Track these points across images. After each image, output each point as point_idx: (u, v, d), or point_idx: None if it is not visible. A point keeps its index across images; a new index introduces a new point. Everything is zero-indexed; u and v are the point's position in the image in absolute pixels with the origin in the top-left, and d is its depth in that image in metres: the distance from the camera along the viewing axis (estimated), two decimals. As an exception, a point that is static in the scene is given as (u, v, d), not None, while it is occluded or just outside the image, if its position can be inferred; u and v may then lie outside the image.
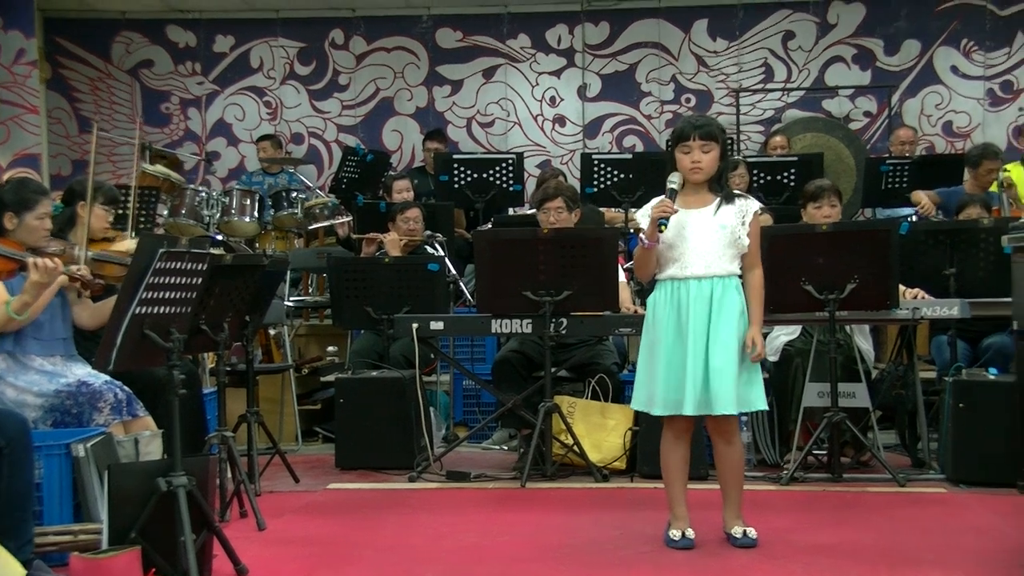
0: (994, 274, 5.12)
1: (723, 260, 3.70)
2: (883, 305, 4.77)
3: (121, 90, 10.01)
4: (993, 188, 7.03)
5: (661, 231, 3.65)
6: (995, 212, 6.36)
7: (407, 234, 6.46)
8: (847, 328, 5.15)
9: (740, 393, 3.65)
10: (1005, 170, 7.29)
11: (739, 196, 3.79)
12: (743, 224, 3.73)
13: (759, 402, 3.72)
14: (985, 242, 5.23)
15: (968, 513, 4.29)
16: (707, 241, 3.70)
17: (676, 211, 3.67)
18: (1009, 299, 4.69)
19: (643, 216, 3.75)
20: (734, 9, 9.57)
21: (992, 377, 4.81)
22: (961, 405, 4.76)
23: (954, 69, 9.36)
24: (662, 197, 3.69)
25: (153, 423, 4.13)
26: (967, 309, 4.86)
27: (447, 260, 6.13)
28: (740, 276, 3.74)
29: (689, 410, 3.63)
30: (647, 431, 4.88)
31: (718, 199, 3.75)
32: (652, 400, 3.72)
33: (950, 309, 4.86)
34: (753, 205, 3.77)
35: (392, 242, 6.41)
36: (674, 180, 3.71)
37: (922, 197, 7.07)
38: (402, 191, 7.45)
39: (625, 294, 5.37)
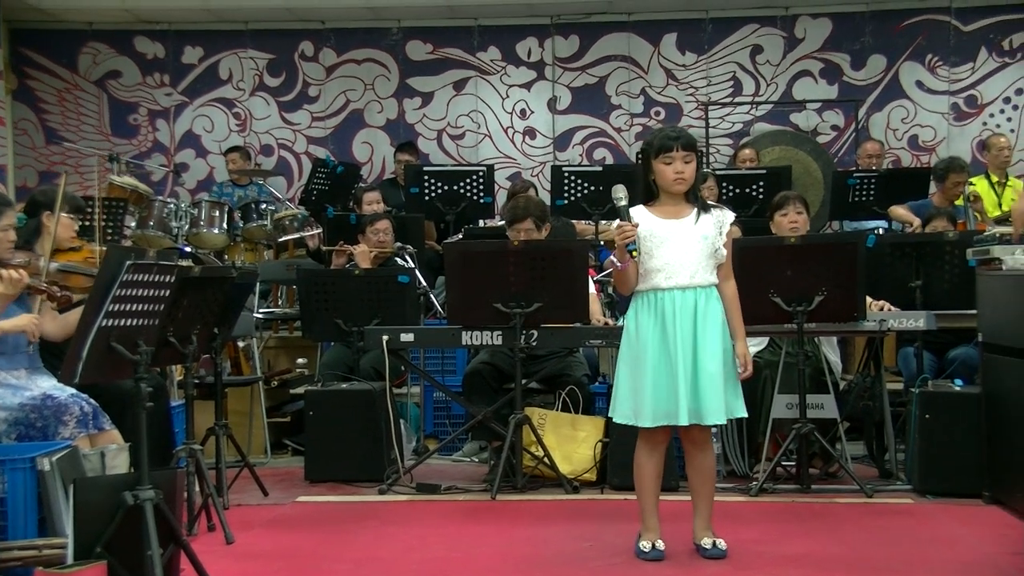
0: (959, 287, 5.19)
1: (705, 270, 3.73)
2: (850, 317, 4.81)
3: (88, 101, 9.94)
4: (959, 202, 7.11)
5: (633, 256, 3.67)
6: (960, 225, 6.43)
7: (377, 246, 6.45)
8: (815, 340, 5.19)
9: (727, 402, 3.69)
10: (971, 183, 7.39)
11: (714, 206, 3.82)
12: (720, 234, 3.76)
13: (741, 409, 3.76)
14: (951, 255, 5.29)
15: (935, 524, 4.33)
16: (691, 251, 3.72)
17: (637, 225, 3.68)
18: (974, 311, 4.76)
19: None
20: (702, 23, 9.64)
21: (958, 388, 4.86)
22: (927, 416, 4.80)
23: (919, 84, 9.47)
24: (617, 221, 3.70)
25: (120, 436, 4.09)
26: (933, 321, 4.91)
27: (417, 272, 6.12)
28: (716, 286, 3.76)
29: (684, 420, 3.65)
30: (617, 443, 4.89)
31: (696, 209, 3.77)
32: (639, 412, 3.71)
33: (916, 321, 4.91)
34: (729, 216, 3.81)
35: (362, 254, 6.39)
36: (620, 195, 3.71)
37: (904, 215, 7.13)
38: (372, 203, 7.44)
39: (595, 306, 5.38)
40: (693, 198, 3.80)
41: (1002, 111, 9.42)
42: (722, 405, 3.66)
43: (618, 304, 6.00)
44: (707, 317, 3.69)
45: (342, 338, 5.83)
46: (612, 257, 3.75)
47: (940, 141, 9.45)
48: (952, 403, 4.79)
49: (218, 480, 4.69)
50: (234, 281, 4.38)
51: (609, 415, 3.88)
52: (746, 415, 3.83)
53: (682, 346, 3.66)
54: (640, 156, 3.89)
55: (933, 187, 7.36)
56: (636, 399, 3.72)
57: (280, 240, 7.51)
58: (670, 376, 3.67)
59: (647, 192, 3.83)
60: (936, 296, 5.28)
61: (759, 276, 4.70)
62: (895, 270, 5.36)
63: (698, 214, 3.76)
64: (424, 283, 6.21)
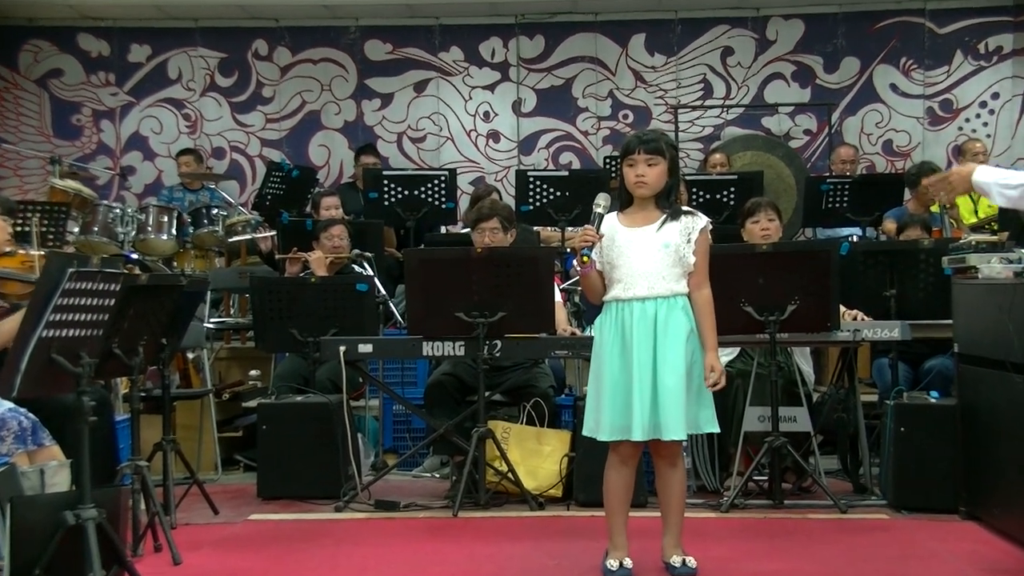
0: (935, 296, 5.23)
1: (667, 280, 3.72)
2: (824, 327, 4.85)
3: (29, 101, 9.82)
4: (935, 208, 7.19)
5: (584, 262, 3.67)
6: (936, 233, 6.50)
7: (332, 252, 6.42)
8: (788, 350, 5.22)
9: (690, 416, 3.69)
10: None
11: (687, 213, 3.80)
12: (688, 241, 3.74)
13: (709, 424, 3.76)
14: (926, 263, 5.34)
15: (910, 540, 4.37)
16: (649, 260, 3.72)
17: (601, 237, 3.70)
18: (950, 321, 4.79)
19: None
20: (671, 24, 9.70)
21: (933, 400, 4.91)
22: (902, 429, 4.84)
23: (893, 87, 9.57)
24: (587, 225, 3.71)
25: (60, 453, 4.03)
26: (908, 331, 4.95)
27: (376, 280, 6.10)
28: (688, 296, 3.76)
29: (637, 436, 3.65)
30: (584, 457, 4.89)
31: (663, 216, 3.78)
32: (599, 426, 3.73)
33: (891, 331, 4.96)
34: (700, 222, 3.79)
35: (318, 261, 6.37)
36: (599, 203, 3.72)
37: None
38: (330, 208, 7.41)
39: (561, 315, 5.39)
40: (665, 204, 3.80)
41: (978, 115, 9.53)
42: (681, 420, 3.65)
43: (585, 313, 6.01)
44: (668, 329, 3.69)
45: (297, 349, 5.79)
46: (575, 261, 3.77)
47: (915, 146, 9.56)
48: (928, 416, 4.83)
49: (165, 498, 4.64)
50: (183, 289, 4.34)
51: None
52: (716, 430, 3.84)
53: (639, 358, 3.67)
54: (618, 160, 3.91)
55: (907, 194, 7.44)
56: (598, 412, 3.73)
57: (231, 241, 7.47)
58: (626, 390, 3.68)
59: (623, 198, 3.84)
60: (911, 305, 5.33)
61: (730, 285, 4.72)
62: (869, 279, 5.41)
63: (663, 221, 3.76)
64: (383, 291, 6.19)
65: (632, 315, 3.71)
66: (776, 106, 9.59)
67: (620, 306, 3.74)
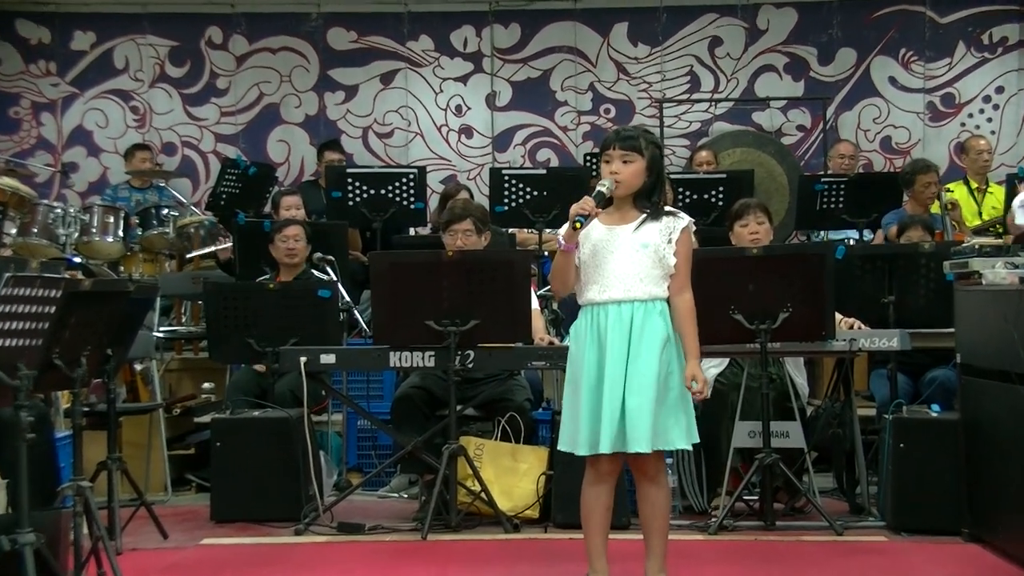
0: (936, 302, 5.26)
1: (645, 283, 3.73)
2: (818, 336, 4.87)
3: (-37, 91, 9.77)
4: (935, 209, 7.25)
5: (577, 228, 3.63)
6: (938, 236, 6.54)
7: (287, 255, 6.38)
8: (780, 361, 5.24)
9: (659, 429, 3.67)
10: (948, 190, 7.52)
11: (668, 213, 3.81)
12: (669, 242, 3.75)
13: (680, 439, 3.72)
14: (926, 268, 5.38)
15: (910, 563, 4.39)
16: (626, 261, 3.73)
17: (598, 212, 3.68)
18: (952, 330, 4.82)
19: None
20: (656, 12, 9.74)
21: (934, 414, 4.93)
22: (902, 445, 4.87)
23: (892, 80, 9.64)
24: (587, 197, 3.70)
25: (-4, 472, 4.01)
26: (907, 340, 4.98)
27: (340, 286, 6.09)
28: (667, 300, 3.76)
29: (605, 447, 3.64)
30: (563, 475, 4.90)
31: (642, 216, 3.79)
32: (575, 439, 3.72)
33: (889, 340, 4.98)
34: (681, 222, 3.79)
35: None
36: (605, 183, 3.72)
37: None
38: (291, 208, 7.39)
39: (538, 323, 5.39)
40: (644, 203, 3.81)
41: (981, 111, 9.61)
42: (648, 432, 3.63)
43: (564, 321, 6.02)
44: (644, 335, 3.69)
45: (254, 360, 5.77)
46: (559, 233, 3.72)
47: (915, 143, 9.62)
48: (928, 431, 4.86)
49: (110, 521, 4.61)
50: (131, 296, 4.32)
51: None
52: (686, 446, 3.78)
53: (612, 365, 3.68)
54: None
55: (905, 195, 7.47)
56: (574, 424, 3.73)
57: (189, 257, 7.45)
58: (598, 398, 3.69)
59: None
60: (911, 313, 5.36)
61: (718, 291, 4.74)
62: (866, 284, 5.44)
63: (643, 221, 3.78)
64: (347, 298, 6.18)
65: (607, 319, 3.71)
66: (767, 100, 9.64)
67: (596, 310, 3.75)
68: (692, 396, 3.74)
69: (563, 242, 3.70)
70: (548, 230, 7.21)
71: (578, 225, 3.62)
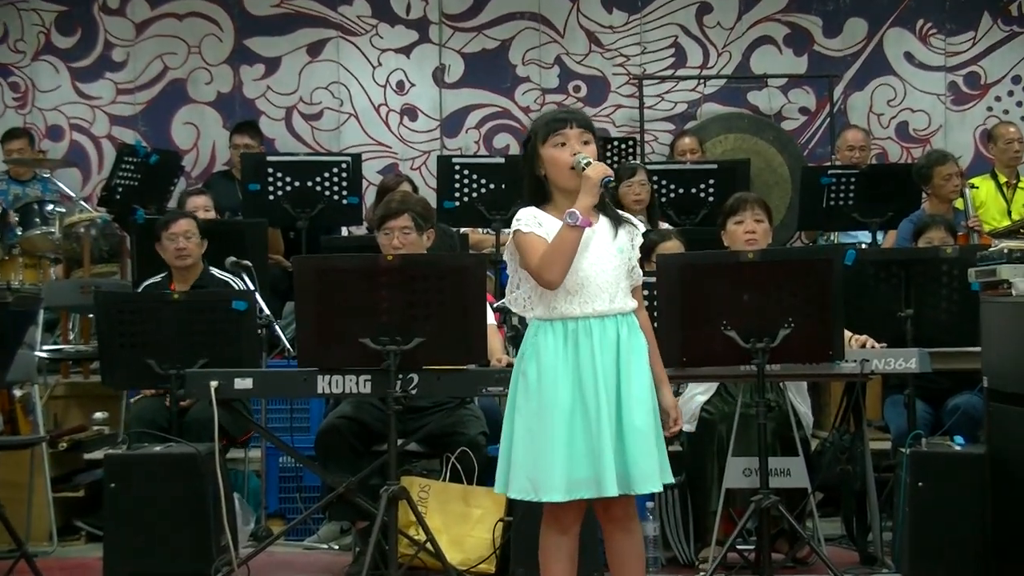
0: (961, 317, 5.30)
1: (625, 293, 3.78)
2: (824, 356, 4.89)
3: None
4: (959, 204, 7.31)
5: (609, 189, 3.68)
6: (962, 238, 6.59)
7: (176, 257, 6.31)
8: (779, 386, 5.27)
9: (661, 464, 3.73)
10: (973, 186, 7.57)
11: (623, 216, 3.90)
12: (633, 247, 3.83)
13: (669, 474, 3.80)
14: (949, 276, 5.41)
15: (931, 622, 4.42)
16: (607, 268, 3.76)
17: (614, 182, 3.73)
18: (978, 348, 4.87)
19: (531, 222, 3.74)
20: (635, -27, 9.80)
21: (958, 448, 4.97)
22: (920, 484, 4.90)
23: (908, 57, 9.72)
24: (585, 158, 3.69)
25: None
26: (927, 361, 5.00)
27: (258, 296, 6.06)
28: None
29: (611, 489, 3.64)
30: (524, 522, 4.89)
31: (605, 215, 3.81)
32: (543, 483, 3.69)
33: (907, 362, 5.00)
34: (639, 227, 3.91)
35: None
36: (585, 157, 3.71)
37: None
38: (199, 211, 7.33)
39: (495, 341, 5.39)
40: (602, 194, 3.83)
41: (1011, 93, 9.73)
42: (656, 468, 3.69)
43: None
44: (632, 353, 3.73)
45: (155, 384, 5.73)
46: (574, 211, 3.63)
47: (935, 130, 9.71)
48: (951, 466, 4.89)
49: (-17, 579, 4.56)
50: (9, 308, 4.28)
51: (498, 490, 3.86)
52: (673, 481, 3.87)
53: (606, 390, 3.68)
54: (524, 145, 3.90)
55: (923, 193, 7.52)
56: (538, 465, 3.71)
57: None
58: (589, 432, 3.68)
59: (534, 194, 3.84)
60: (931, 329, 5.39)
61: (707, 303, 4.75)
62: (880, 295, 5.47)
63: (614, 221, 3.81)
64: (267, 311, 6.15)
65: (591, 336, 3.72)
66: (765, 78, 9.69)
67: (572, 325, 3.74)
68: (666, 431, 3.80)
69: (580, 216, 3.65)
70: (506, 230, 7.21)
71: (611, 184, 3.69)
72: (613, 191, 3.71)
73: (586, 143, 3.78)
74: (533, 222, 3.75)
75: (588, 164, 3.68)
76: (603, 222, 3.80)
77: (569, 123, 3.78)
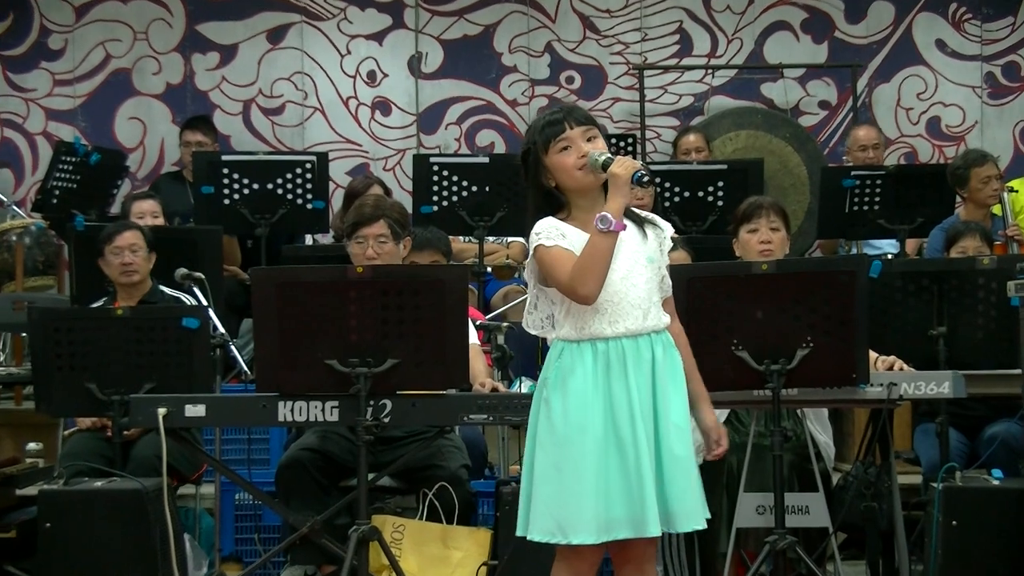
0: (998, 335, 5.32)
1: (657, 307, 3.79)
2: (847, 380, 4.89)
3: None
4: (996, 210, 7.33)
5: (644, 184, 3.69)
6: (999, 248, 6.60)
7: (122, 273, 6.30)
8: (797, 413, 5.27)
9: (702, 499, 3.78)
10: (1012, 189, 7.59)
11: (647, 218, 3.88)
12: (663, 253, 3.84)
13: (706, 510, 3.82)
14: (986, 290, 5.41)
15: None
16: (638, 280, 3.76)
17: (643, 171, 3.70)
18: (1019, 371, 4.88)
19: (553, 235, 3.74)
20: (635, -50, 9.83)
21: (996, 482, 4.99)
22: (954, 523, 4.90)
23: (940, 45, 9.75)
24: (603, 155, 3.69)
25: None
26: (962, 385, 5.00)
27: (211, 312, 6.05)
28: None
29: (654, 528, 3.65)
30: (511, 565, 4.89)
31: (629, 219, 3.79)
32: (571, 524, 3.68)
33: (939, 385, 5.01)
34: (665, 229, 3.88)
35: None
36: (603, 153, 3.72)
37: None
38: (146, 217, 7.32)
39: (478, 363, 5.39)
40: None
41: (1055, 85, 9.78)
42: (699, 501, 3.74)
43: (512, 361, 6.01)
44: (668, 375, 3.75)
45: (96, 412, 5.72)
46: (604, 214, 3.62)
47: (971, 126, 9.74)
48: (988, 503, 4.91)
49: (-99, 631, 4.55)
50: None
51: (520, 532, 3.85)
52: (707, 515, 3.87)
53: (643, 418, 3.69)
54: (523, 159, 3.88)
55: (958, 198, 7.54)
56: (566, 503, 3.70)
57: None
58: (625, 465, 3.68)
59: (545, 206, 3.84)
60: (966, 349, 5.40)
61: (716, 320, 4.76)
62: (909, 312, 5.48)
63: (639, 225, 3.82)
64: (222, 329, 6.14)
65: (624, 358, 3.72)
66: (780, 68, 9.72)
67: (602, 347, 3.74)
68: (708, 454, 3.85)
69: (613, 219, 3.64)
70: (490, 238, 7.21)
71: (646, 182, 3.69)
72: (648, 185, 3.68)
73: (591, 139, 3.78)
74: (555, 234, 3.74)
75: (608, 160, 3.68)
76: (631, 228, 3.80)
77: (567, 123, 3.78)
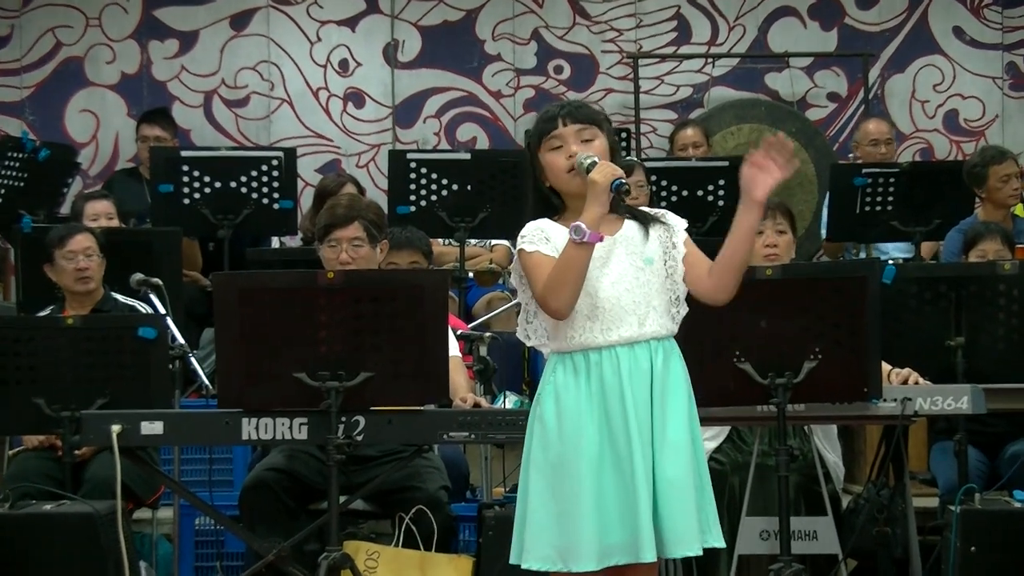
0: (1020, 345, 5.34)
1: (659, 312, 3.76)
2: (858, 394, 4.90)
3: None
4: (1019, 211, 7.35)
5: (623, 194, 3.62)
6: (1021, 252, 6.61)
7: (77, 280, 6.28)
8: (804, 430, 5.28)
9: (700, 522, 3.74)
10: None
11: (654, 216, 3.86)
12: (674, 246, 3.80)
13: (716, 536, 3.80)
14: (1007, 297, 5.43)
15: None
16: (632, 284, 3.75)
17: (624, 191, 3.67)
18: (1043, 384, 4.91)
19: (536, 239, 3.73)
20: (629, -70, 9.85)
21: (1018, 504, 5.01)
22: (973, 548, 4.91)
23: (958, 32, 9.78)
24: (587, 157, 3.67)
25: None
26: (981, 400, 5.01)
27: (170, 321, 6.05)
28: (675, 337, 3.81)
29: (648, 554, 3.65)
30: (494, 596, 4.90)
31: (629, 219, 3.81)
32: (572, 551, 3.68)
33: (957, 400, 5.02)
34: (676, 222, 3.85)
35: None
36: (591, 156, 3.70)
37: None
38: (100, 217, 7.31)
39: (459, 377, 5.39)
40: (617, 200, 3.82)
41: (1082, 77, 9.82)
42: (695, 526, 3.70)
43: (495, 374, 6.01)
44: (667, 387, 3.73)
45: (45, 430, 5.71)
46: (578, 223, 3.59)
47: (991, 120, 9.77)
48: (1010, 527, 4.92)
49: None
50: None
51: (513, 560, 3.85)
52: (722, 544, 3.87)
53: (640, 434, 3.68)
54: (528, 143, 3.92)
55: (977, 198, 7.56)
56: (565, 530, 3.70)
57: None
58: (622, 486, 3.68)
59: (542, 207, 3.84)
60: (986, 361, 5.41)
61: (716, 330, 4.76)
62: (925, 320, 5.49)
63: (643, 225, 3.81)
64: (181, 339, 6.14)
65: (618, 369, 3.71)
66: (786, 57, 9.74)
67: (595, 357, 3.73)
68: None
69: (587, 229, 3.62)
70: (473, 241, 7.21)
71: (625, 189, 3.64)
72: (626, 195, 3.67)
73: (587, 140, 3.77)
74: (539, 237, 3.73)
75: (591, 165, 3.67)
76: (629, 228, 3.80)
77: (561, 120, 3.78)
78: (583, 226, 3.61)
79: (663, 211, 3.90)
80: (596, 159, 3.70)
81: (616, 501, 3.68)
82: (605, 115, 3.92)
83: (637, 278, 3.76)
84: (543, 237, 3.73)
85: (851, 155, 8.78)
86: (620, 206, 3.77)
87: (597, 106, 3.98)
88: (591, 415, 3.71)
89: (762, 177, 3.67)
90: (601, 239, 3.66)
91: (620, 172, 3.67)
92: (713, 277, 3.78)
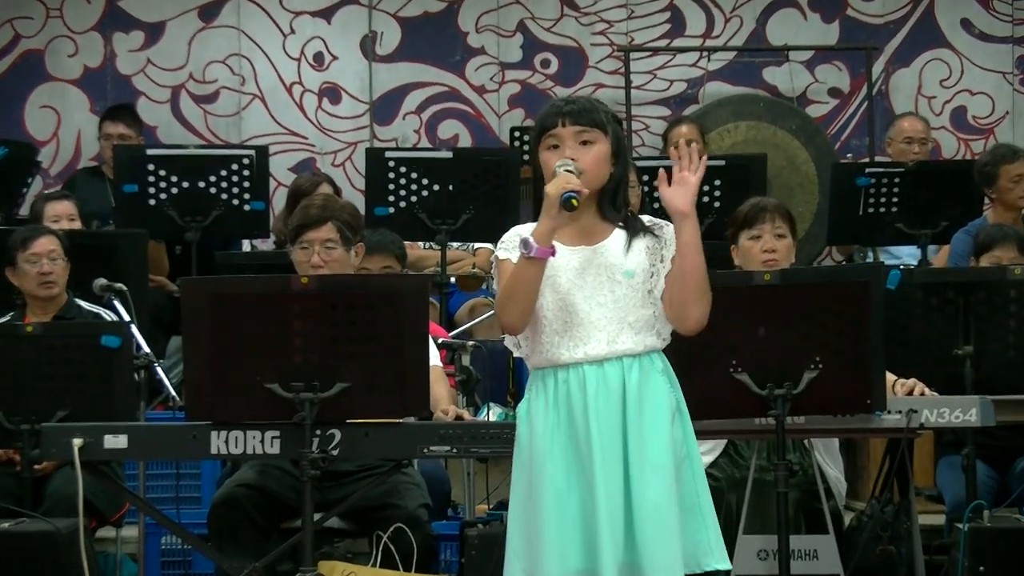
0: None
1: (637, 329, 3.76)
2: (861, 406, 4.91)
3: None
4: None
5: (574, 204, 3.57)
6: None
7: (40, 284, 6.27)
8: (804, 444, 5.28)
9: (687, 546, 3.72)
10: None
11: (648, 225, 3.84)
12: (662, 260, 3.78)
13: (716, 558, 3.78)
14: (1018, 303, 5.44)
15: None
16: (608, 300, 3.75)
17: (585, 193, 3.65)
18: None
19: (511, 245, 3.74)
20: (620, -84, 9.86)
21: (1030, 522, 5.03)
22: (982, 568, 4.93)
23: (966, 24, 9.80)
24: (563, 164, 3.66)
25: None
26: (991, 412, 5.02)
27: (135, 329, 6.04)
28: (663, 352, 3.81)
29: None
30: (477, 620, 4.90)
31: (619, 228, 3.81)
32: (535, 570, 3.72)
33: (965, 412, 5.02)
34: (666, 233, 3.81)
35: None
36: (567, 163, 3.68)
37: None
38: (61, 219, 7.30)
39: (440, 388, 5.39)
40: (612, 209, 3.83)
41: (1095, 71, 9.85)
42: (675, 552, 3.68)
43: (479, 385, 6.01)
44: (644, 406, 3.72)
45: (3, 444, 5.70)
46: (526, 236, 3.61)
47: (1000, 117, 9.78)
48: (1020, 546, 4.94)
49: None
50: None
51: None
52: (724, 566, 3.86)
53: (603, 454, 3.68)
54: (530, 143, 3.93)
55: (987, 199, 7.57)
56: (532, 554, 3.73)
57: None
58: (582, 508, 3.69)
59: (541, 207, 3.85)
60: (996, 371, 5.42)
61: (713, 339, 4.73)
62: (932, 328, 5.50)
63: (628, 238, 3.80)
64: (147, 348, 6.14)
65: (585, 387, 3.72)
66: (786, 50, 9.75)
67: (563, 375, 3.74)
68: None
69: (535, 243, 3.63)
70: (455, 245, 7.21)
71: (575, 203, 3.59)
72: (570, 211, 3.63)
73: (587, 143, 3.77)
74: (514, 244, 3.74)
75: (573, 197, 3.61)
76: (615, 238, 3.79)
77: (560, 120, 3.78)
78: (531, 240, 3.61)
79: (663, 223, 3.85)
80: (572, 166, 3.68)
81: (580, 527, 3.70)
82: (613, 116, 3.89)
83: (612, 291, 3.75)
84: (520, 243, 3.72)
85: (878, 155, 8.75)
86: (615, 213, 3.78)
87: (604, 105, 3.90)
88: (559, 436, 3.73)
89: (679, 189, 3.67)
90: (553, 254, 3.65)
91: (574, 184, 3.62)
92: (672, 306, 3.76)
